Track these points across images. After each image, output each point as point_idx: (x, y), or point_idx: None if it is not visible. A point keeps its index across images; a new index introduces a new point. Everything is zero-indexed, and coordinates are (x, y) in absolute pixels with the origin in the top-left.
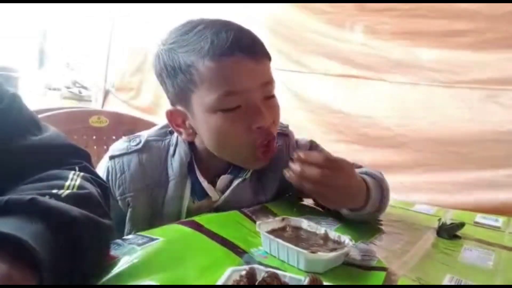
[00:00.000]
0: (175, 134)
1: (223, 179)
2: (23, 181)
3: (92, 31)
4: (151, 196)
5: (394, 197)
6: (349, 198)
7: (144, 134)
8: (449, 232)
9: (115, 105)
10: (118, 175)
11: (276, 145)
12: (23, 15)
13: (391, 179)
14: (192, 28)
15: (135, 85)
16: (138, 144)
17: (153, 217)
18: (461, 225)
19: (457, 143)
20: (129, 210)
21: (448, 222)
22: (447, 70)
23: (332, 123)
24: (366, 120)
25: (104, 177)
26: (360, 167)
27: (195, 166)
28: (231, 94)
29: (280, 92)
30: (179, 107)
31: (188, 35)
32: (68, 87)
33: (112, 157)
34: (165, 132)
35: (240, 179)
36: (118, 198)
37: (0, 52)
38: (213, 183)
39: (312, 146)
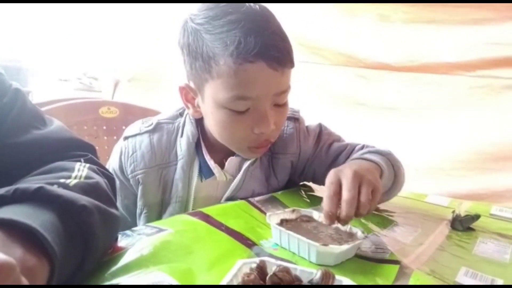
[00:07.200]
0: (184, 116)
1: (231, 161)
2: (28, 174)
3: (101, 20)
4: (161, 175)
5: (408, 187)
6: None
7: (157, 117)
8: (464, 224)
9: (125, 97)
10: (130, 153)
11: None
12: (34, 7)
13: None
14: (224, 14)
15: (151, 77)
16: (149, 125)
17: (163, 196)
18: (477, 217)
19: (480, 134)
20: (140, 187)
21: (463, 214)
22: (470, 60)
23: (355, 116)
24: (388, 112)
25: (118, 157)
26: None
27: (203, 146)
28: (243, 98)
29: (301, 84)
30: (192, 85)
31: (218, 21)
32: (79, 78)
33: (125, 138)
34: (176, 115)
35: (249, 162)
36: (130, 176)
37: (12, 43)
38: (221, 164)
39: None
